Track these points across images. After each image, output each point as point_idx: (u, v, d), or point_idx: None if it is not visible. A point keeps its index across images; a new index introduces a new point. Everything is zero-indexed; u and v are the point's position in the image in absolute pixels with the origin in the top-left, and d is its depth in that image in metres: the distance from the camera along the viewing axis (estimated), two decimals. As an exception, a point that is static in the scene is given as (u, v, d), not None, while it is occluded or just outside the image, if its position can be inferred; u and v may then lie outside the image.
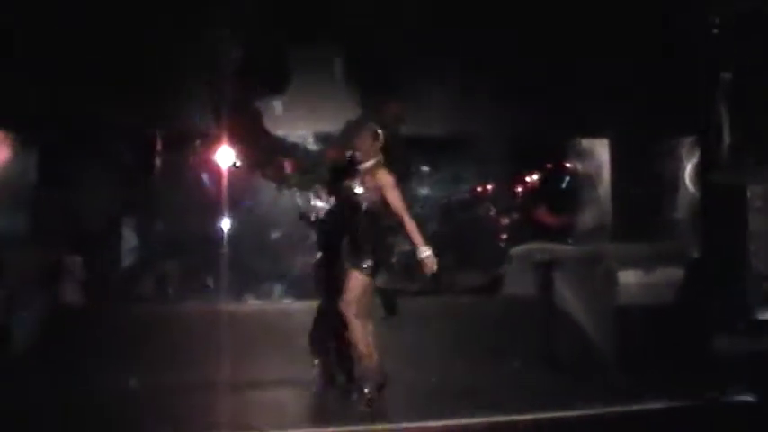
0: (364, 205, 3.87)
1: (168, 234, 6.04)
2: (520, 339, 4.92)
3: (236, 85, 5.29)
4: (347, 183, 3.97)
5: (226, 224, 5.93)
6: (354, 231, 3.88)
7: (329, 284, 4.08)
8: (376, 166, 3.88)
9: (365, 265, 3.77)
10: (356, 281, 3.77)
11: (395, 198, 3.81)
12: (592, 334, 4.98)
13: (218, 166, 5.74)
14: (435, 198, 6.76)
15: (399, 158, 4.39)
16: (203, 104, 5.35)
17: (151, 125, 5.74)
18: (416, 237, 3.74)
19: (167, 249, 5.99)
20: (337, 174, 4.27)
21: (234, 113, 5.33)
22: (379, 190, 3.83)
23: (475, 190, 6.91)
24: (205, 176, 5.99)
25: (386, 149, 3.95)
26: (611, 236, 6.06)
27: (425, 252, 3.70)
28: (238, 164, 5.66)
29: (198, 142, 6.02)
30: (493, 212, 6.90)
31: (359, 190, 3.87)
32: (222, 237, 5.85)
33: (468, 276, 6.18)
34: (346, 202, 3.97)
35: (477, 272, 6.26)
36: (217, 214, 5.83)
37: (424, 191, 6.70)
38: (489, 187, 6.91)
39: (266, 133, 5.56)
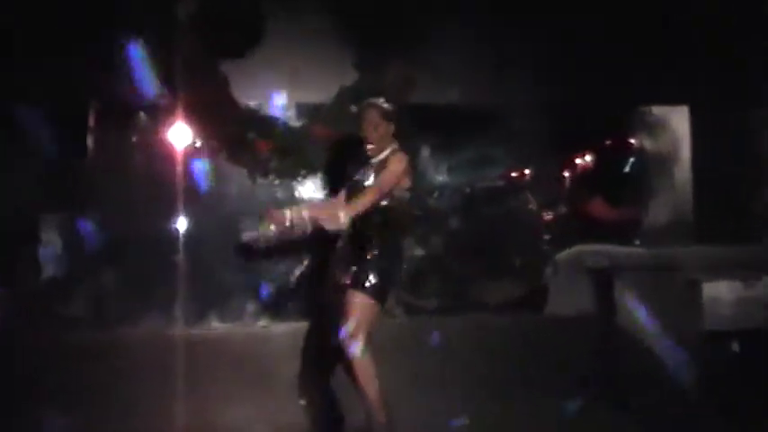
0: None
1: (105, 237, 5.80)
2: (570, 371, 4.76)
3: (193, 44, 5.26)
4: (355, 177, 3.79)
5: (182, 224, 5.84)
6: (360, 238, 3.68)
7: (322, 303, 3.87)
8: (392, 155, 3.71)
9: (368, 284, 3.58)
10: (361, 305, 3.58)
11: (378, 180, 3.63)
12: (668, 365, 4.77)
13: (171, 148, 5.68)
14: (456, 186, 6.63)
15: (405, 135, 4.27)
16: (150, 69, 5.26)
17: (80, 98, 5.67)
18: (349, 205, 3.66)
19: (104, 257, 5.84)
20: (338, 162, 4.17)
21: (191, 80, 5.26)
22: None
23: (508, 175, 6.80)
24: (154, 162, 5.83)
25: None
26: (692, 235, 6.02)
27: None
28: (198, 144, 5.61)
29: (143, 117, 5.92)
30: (532, 205, 6.79)
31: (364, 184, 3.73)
32: (177, 240, 5.78)
33: (500, 288, 6.14)
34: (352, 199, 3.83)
35: (513, 283, 6.21)
36: (170, 211, 5.72)
37: (440, 177, 6.61)
38: (527, 172, 6.80)
39: (234, 105, 5.51)
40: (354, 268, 3.67)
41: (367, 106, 3.80)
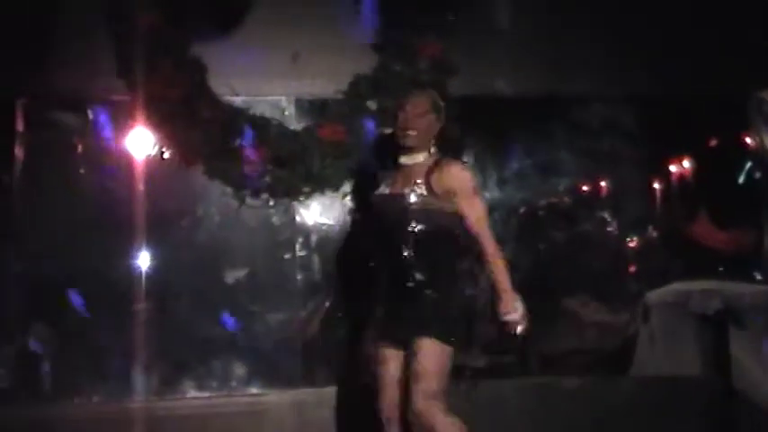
0: (417, 226, 4.21)
1: (38, 278, 6.07)
2: None
3: (156, 22, 5.63)
4: (383, 188, 4.34)
5: (144, 260, 6.08)
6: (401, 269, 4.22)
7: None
8: (439, 162, 4.23)
9: (439, 327, 4.14)
10: (437, 354, 4.12)
11: (477, 211, 4.23)
12: None
13: (128, 159, 5.95)
14: (509, 203, 6.87)
15: (450, 137, 4.69)
16: (100, 55, 5.65)
17: (4, 93, 5.90)
18: (503, 279, 4.26)
19: (36, 306, 6.05)
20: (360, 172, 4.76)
21: (155, 69, 5.62)
22: (447, 198, 4.20)
23: (578, 189, 7.03)
24: (106, 177, 6.10)
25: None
26: None
27: (512, 311, 4.25)
28: (165, 154, 5.89)
29: (90, 118, 6.14)
30: (613, 227, 7.05)
31: (413, 198, 4.22)
32: (139, 278, 6.00)
33: (572, 341, 6.44)
34: (383, 219, 4.33)
35: (588, 333, 6.47)
36: (128, 243, 5.96)
37: (487, 192, 6.72)
38: (603, 184, 7.03)
39: (214, 101, 5.82)
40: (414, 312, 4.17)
41: (413, 94, 4.38)
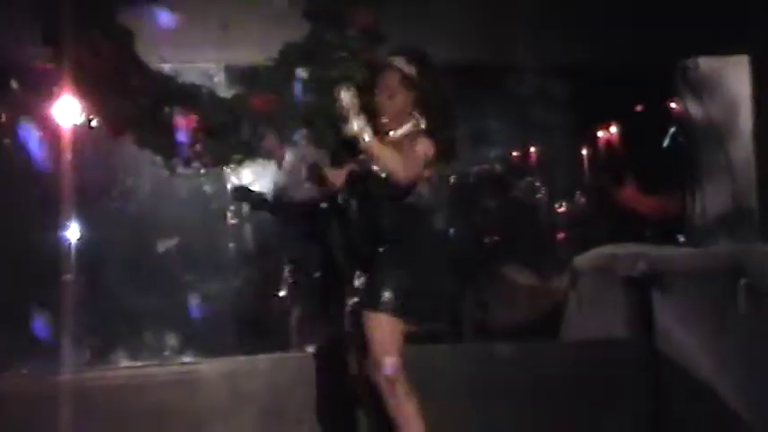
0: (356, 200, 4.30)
1: None
2: (596, 413, 5.36)
3: None
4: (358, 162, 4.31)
5: (73, 232, 6.22)
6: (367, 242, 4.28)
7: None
8: (417, 138, 4.24)
9: (385, 299, 4.17)
10: (380, 326, 4.18)
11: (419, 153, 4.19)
12: (729, 404, 5.26)
13: (54, 129, 6.00)
14: (440, 171, 6.93)
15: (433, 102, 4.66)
16: (23, 19, 5.57)
17: None
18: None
19: None
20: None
21: (82, 35, 5.57)
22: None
23: (509, 156, 7.38)
24: (31, 147, 6.00)
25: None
26: (756, 229, 6.32)
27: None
28: (92, 123, 5.82)
29: (14, 87, 6.27)
30: (542, 194, 7.37)
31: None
32: (68, 251, 6.13)
33: (501, 306, 6.72)
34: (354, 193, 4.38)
35: (517, 298, 6.77)
36: (55, 215, 6.04)
37: None
38: (533, 150, 7.39)
39: (142, 69, 5.77)
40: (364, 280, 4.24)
41: (384, 68, 4.35)
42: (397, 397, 4.19)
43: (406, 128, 4.31)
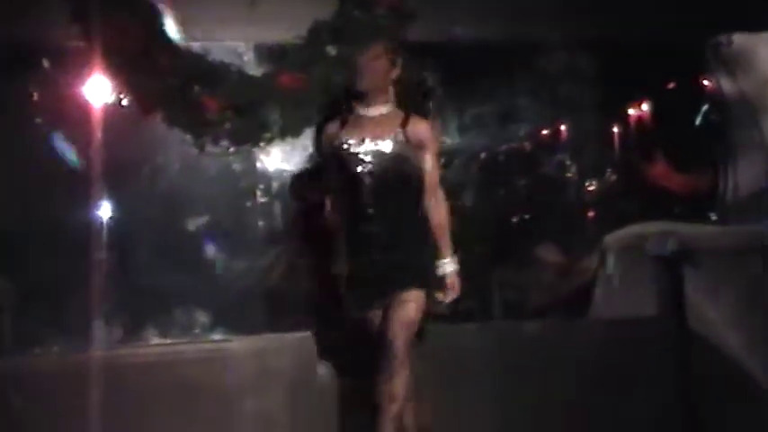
0: (392, 176, 4.37)
1: None
2: (626, 392, 5.41)
3: None
4: (346, 140, 4.41)
5: (104, 211, 6.29)
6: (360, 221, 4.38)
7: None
8: (409, 115, 4.40)
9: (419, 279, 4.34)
10: (419, 305, 4.34)
11: (436, 170, 4.44)
12: (759, 382, 5.30)
13: (85, 108, 6.07)
14: (468, 150, 7.13)
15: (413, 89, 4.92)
16: (56, 2, 5.55)
17: None
18: (444, 237, 4.46)
19: None
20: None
21: (111, 14, 5.62)
22: (418, 150, 4.37)
23: (538, 134, 7.36)
24: (62, 127, 6.29)
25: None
26: None
27: (448, 265, 4.44)
28: (123, 102, 5.91)
29: (45, 66, 6.33)
30: (572, 172, 7.35)
31: (391, 147, 4.36)
32: (100, 228, 6.17)
33: (530, 286, 6.79)
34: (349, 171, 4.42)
35: (547, 277, 6.84)
36: (86, 195, 6.06)
37: (448, 139, 6.94)
38: (563, 128, 7.36)
39: (171, 48, 5.84)
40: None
41: (366, 45, 4.51)
42: (398, 370, 4.28)
43: (386, 106, 4.45)
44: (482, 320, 6.26)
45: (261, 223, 6.22)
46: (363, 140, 4.40)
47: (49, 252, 6.18)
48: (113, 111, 6.01)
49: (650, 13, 6.40)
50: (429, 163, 4.42)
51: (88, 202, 6.14)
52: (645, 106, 7.34)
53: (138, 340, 6.11)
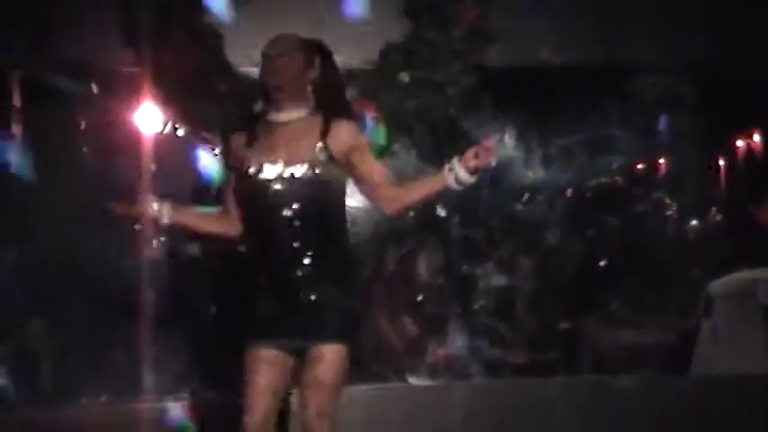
0: (305, 204, 3.90)
1: (37, 269, 6.14)
2: None
3: None
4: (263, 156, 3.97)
5: (156, 249, 6.10)
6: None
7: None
8: (328, 119, 3.97)
9: (341, 330, 3.89)
10: (341, 362, 3.86)
11: (379, 165, 4.03)
12: None
13: (137, 135, 5.97)
14: (554, 183, 6.96)
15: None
16: (110, 25, 5.62)
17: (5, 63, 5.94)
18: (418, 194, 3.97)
19: (36, 300, 6.11)
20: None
21: (165, 36, 5.60)
22: (344, 162, 3.94)
23: (632, 168, 7.12)
24: (111, 156, 6.18)
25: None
26: None
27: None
28: (177, 130, 5.97)
29: (94, 91, 6.22)
30: (671, 211, 7.13)
31: (279, 173, 3.91)
32: (150, 266, 5.93)
33: (624, 335, 6.53)
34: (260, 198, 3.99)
35: (643, 326, 6.60)
36: (136, 229, 5.71)
37: (530, 173, 6.91)
38: (661, 162, 7.10)
39: (229, 72, 5.79)
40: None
41: (275, 41, 4.04)
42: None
43: (301, 110, 4.01)
44: (569, 374, 6.16)
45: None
46: (275, 163, 3.96)
47: (97, 291, 6.10)
48: (167, 139, 6.01)
49: (758, 32, 6.19)
50: (368, 162, 4.00)
51: (137, 240, 5.93)
52: (755, 137, 7.11)
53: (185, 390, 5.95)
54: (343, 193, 4.03)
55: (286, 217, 3.90)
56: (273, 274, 3.96)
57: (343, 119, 4.02)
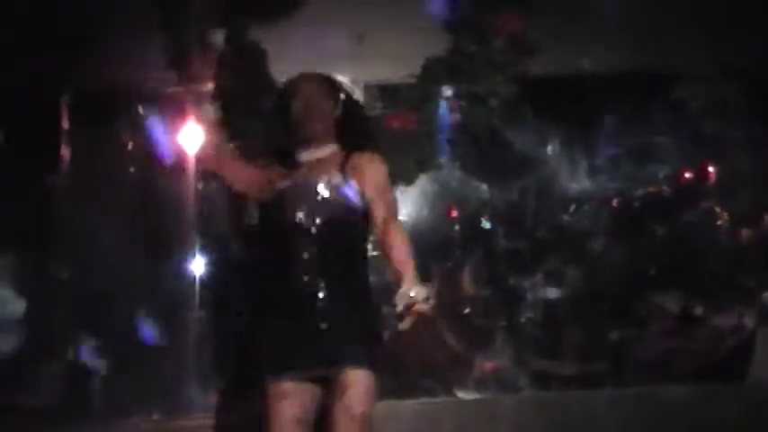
0: (326, 225, 4.04)
1: (84, 288, 6.26)
2: None
3: (212, 5, 5.62)
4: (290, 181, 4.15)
5: (203, 262, 6.27)
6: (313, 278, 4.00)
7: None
8: (351, 153, 4.17)
9: (370, 354, 3.90)
10: (372, 387, 3.89)
11: (395, 206, 4.15)
12: None
13: (182, 156, 6.03)
14: (600, 194, 7.00)
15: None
16: (154, 46, 5.61)
17: (49, 85, 6.14)
18: (410, 271, 3.86)
19: (83, 317, 6.27)
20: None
21: (210, 57, 5.67)
22: (362, 192, 4.09)
23: (680, 177, 7.16)
24: (158, 176, 6.27)
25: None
26: None
27: (412, 290, 3.80)
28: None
29: (141, 113, 6.36)
30: (722, 219, 7.12)
31: (324, 189, 4.07)
32: (199, 285, 6.16)
33: (676, 345, 6.48)
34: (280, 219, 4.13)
35: (696, 336, 6.54)
36: (187, 244, 6.18)
37: (576, 183, 6.98)
38: (710, 170, 7.15)
39: (274, 89, 5.66)
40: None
41: (302, 81, 4.30)
42: None
43: (331, 147, 4.22)
44: (616, 386, 6.13)
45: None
46: (300, 185, 4.16)
47: (145, 310, 6.21)
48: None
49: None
50: (383, 201, 4.11)
51: (186, 257, 6.21)
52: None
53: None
54: (365, 221, 4.12)
55: (306, 242, 4.02)
56: (291, 301, 4.04)
57: (369, 154, 4.21)
